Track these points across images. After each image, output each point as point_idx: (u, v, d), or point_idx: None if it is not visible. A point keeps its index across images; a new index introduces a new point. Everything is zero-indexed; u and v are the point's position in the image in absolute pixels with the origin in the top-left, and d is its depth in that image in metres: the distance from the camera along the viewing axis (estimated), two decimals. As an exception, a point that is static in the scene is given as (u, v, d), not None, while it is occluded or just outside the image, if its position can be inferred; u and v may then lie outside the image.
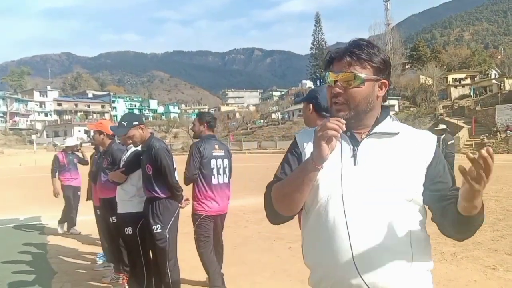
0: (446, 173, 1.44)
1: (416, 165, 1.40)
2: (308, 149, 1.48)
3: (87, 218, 7.40)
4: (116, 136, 4.57)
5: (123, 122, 3.90)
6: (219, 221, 4.52)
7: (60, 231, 7.68)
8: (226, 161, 4.41)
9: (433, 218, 1.43)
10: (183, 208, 4.06)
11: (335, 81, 1.41)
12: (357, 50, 1.41)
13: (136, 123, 3.86)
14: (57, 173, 7.80)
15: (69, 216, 7.72)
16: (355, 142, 1.43)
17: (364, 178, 1.37)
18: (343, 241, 1.34)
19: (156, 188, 3.77)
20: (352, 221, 1.34)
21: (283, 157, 1.60)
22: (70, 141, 8.45)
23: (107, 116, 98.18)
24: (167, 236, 3.76)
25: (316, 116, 2.54)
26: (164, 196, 3.79)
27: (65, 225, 7.78)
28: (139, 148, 4.15)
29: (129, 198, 4.14)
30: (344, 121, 1.29)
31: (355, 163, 1.40)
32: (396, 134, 1.45)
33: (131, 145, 4.23)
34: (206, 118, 4.50)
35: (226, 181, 4.44)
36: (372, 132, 1.44)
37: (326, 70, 1.48)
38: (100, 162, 5.05)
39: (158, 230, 3.74)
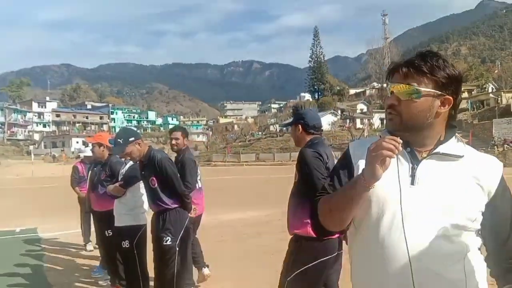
0: (508, 214, 1.37)
1: (478, 192, 1.33)
2: (361, 163, 1.39)
3: (81, 231, 7.31)
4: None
5: (119, 140, 3.71)
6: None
7: (89, 248, 7.06)
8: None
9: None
10: (192, 216, 4.05)
11: (392, 92, 1.37)
12: (419, 61, 1.34)
13: (132, 139, 3.69)
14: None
15: (87, 231, 7.15)
16: (415, 161, 1.35)
17: (422, 199, 1.30)
18: (402, 262, 1.28)
19: (165, 200, 3.72)
20: (412, 243, 1.28)
21: (333, 168, 1.55)
22: (88, 151, 7.74)
23: (105, 127, 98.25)
24: (177, 249, 3.69)
25: (306, 135, 2.79)
26: (174, 206, 3.75)
27: (89, 244, 7.12)
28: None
29: (126, 211, 4.14)
30: (401, 141, 1.21)
31: (412, 183, 1.33)
32: (461, 157, 1.36)
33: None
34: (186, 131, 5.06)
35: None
36: (434, 151, 1.36)
37: (387, 80, 1.43)
38: (96, 173, 5.09)
39: (168, 243, 3.66)
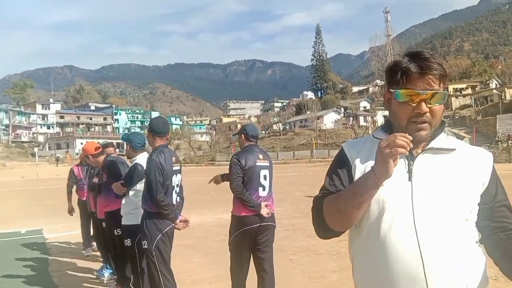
0: (503, 199, 1.42)
1: (473, 183, 1.37)
2: (358, 161, 1.45)
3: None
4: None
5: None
6: None
7: (87, 254, 6.90)
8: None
9: (482, 241, 1.41)
10: (179, 229, 3.87)
11: (421, 100, 1.34)
12: (436, 65, 1.36)
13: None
14: (73, 188, 7.25)
15: (88, 235, 7.00)
16: (410, 157, 1.38)
17: (421, 194, 1.33)
18: (412, 257, 1.29)
19: (147, 201, 3.69)
20: (421, 238, 1.30)
21: (329, 168, 1.54)
22: None
23: (109, 128, 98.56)
24: (154, 253, 3.64)
25: (246, 141, 4.06)
26: (152, 211, 3.68)
27: (89, 249, 6.98)
28: (138, 161, 4.21)
29: (129, 211, 4.21)
30: (411, 138, 1.22)
31: (410, 179, 1.36)
32: (453, 150, 1.41)
33: (135, 158, 4.30)
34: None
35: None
36: (428, 147, 1.40)
37: (396, 84, 1.39)
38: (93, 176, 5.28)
39: (145, 246, 3.67)
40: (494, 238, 1.39)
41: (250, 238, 3.88)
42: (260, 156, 4.01)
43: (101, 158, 5.06)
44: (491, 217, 1.39)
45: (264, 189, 3.95)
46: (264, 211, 3.84)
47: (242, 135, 4.09)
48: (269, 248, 4.01)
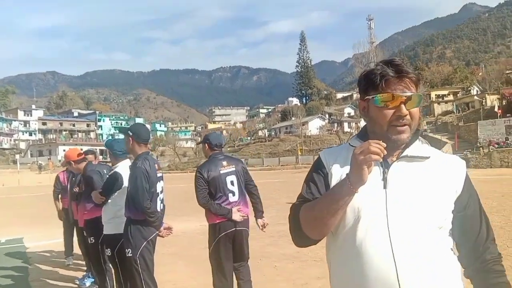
0: (476, 206, 1.44)
1: (446, 191, 1.38)
2: (334, 168, 1.45)
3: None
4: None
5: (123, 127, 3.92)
6: None
7: (68, 262, 6.78)
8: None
9: (459, 258, 1.42)
10: (162, 237, 3.87)
11: (401, 103, 1.35)
12: (410, 70, 1.38)
13: (130, 133, 3.79)
14: (59, 195, 7.01)
15: (69, 244, 6.84)
16: (385, 165, 1.39)
17: (395, 202, 1.34)
18: (386, 263, 1.30)
19: (131, 209, 3.63)
20: (395, 245, 1.30)
21: (306, 176, 1.54)
22: None
23: (92, 135, 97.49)
24: (138, 261, 3.60)
25: (210, 150, 4.13)
26: (136, 218, 3.63)
27: (71, 258, 6.86)
28: (118, 170, 4.17)
29: (108, 219, 4.17)
30: (385, 145, 1.23)
31: (385, 186, 1.36)
32: (427, 158, 1.42)
33: (116, 166, 4.25)
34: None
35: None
36: (402, 155, 1.40)
37: (372, 89, 1.40)
38: (74, 184, 5.29)
39: (129, 254, 3.61)
40: (468, 262, 1.42)
41: (228, 245, 3.94)
42: (224, 163, 4.06)
43: (83, 165, 5.05)
44: (464, 225, 1.41)
45: (234, 195, 4.02)
46: (236, 216, 3.92)
47: (206, 145, 4.17)
48: (245, 255, 4.11)
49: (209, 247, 3.98)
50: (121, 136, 4.04)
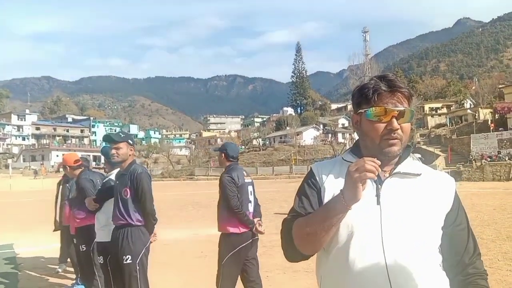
0: (463, 223, 1.47)
1: (437, 208, 1.41)
2: (327, 182, 1.46)
3: (58, 247, 7.16)
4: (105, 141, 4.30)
5: (120, 134, 3.86)
6: None
7: (59, 269, 6.70)
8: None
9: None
10: (151, 242, 3.89)
11: (393, 117, 1.38)
12: (402, 85, 1.40)
13: (130, 142, 3.81)
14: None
15: (66, 251, 6.63)
16: (378, 180, 1.39)
17: (389, 218, 1.35)
18: (380, 280, 1.31)
19: (132, 214, 3.62)
20: (389, 261, 1.31)
21: (298, 189, 1.54)
22: None
23: (86, 141, 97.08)
24: (137, 268, 3.57)
25: (226, 161, 4.13)
26: (138, 224, 3.64)
27: (64, 265, 6.78)
28: (111, 177, 4.17)
29: (101, 227, 4.17)
30: (380, 162, 1.25)
31: (378, 202, 1.37)
32: (418, 175, 1.44)
33: (111, 173, 4.26)
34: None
35: None
36: (395, 171, 1.42)
37: (365, 103, 1.42)
38: (68, 190, 5.26)
39: (128, 261, 3.55)
40: (453, 274, 1.43)
41: (244, 256, 3.97)
42: (245, 173, 4.18)
43: (78, 172, 5.04)
44: (452, 240, 1.43)
45: (251, 204, 4.11)
46: (260, 228, 4.05)
47: (223, 154, 4.17)
48: (256, 260, 4.18)
49: (223, 255, 3.94)
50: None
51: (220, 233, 4.10)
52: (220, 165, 4.27)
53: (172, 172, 62.12)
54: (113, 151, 3.68)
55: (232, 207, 3.87)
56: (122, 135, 3.81)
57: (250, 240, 3.97)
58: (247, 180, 4.12)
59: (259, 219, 4.09)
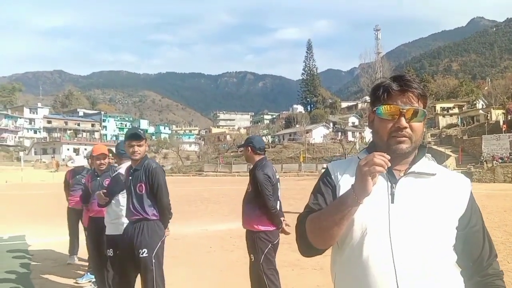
0: (478, 224, 1.48)
1: (451, 208, 1.41)
2: (342, 181, 1.48)
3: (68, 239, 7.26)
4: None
5: (140, 131, 3.88)
6: None
7: (70, 261, 6.78)
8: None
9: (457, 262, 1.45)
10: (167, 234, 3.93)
11: (401, 115, 1.40)
12: (416, 85, 1.43)
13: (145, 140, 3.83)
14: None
15: (74, 243, 6.84)
16: (393, 179, 1.42)
17: (402, 217, 1.36)
18: (389, 278, 1.33)
19: (147, 209, 3.64)
20: (398, 259, 1.33)
21: (314, 187, 1.58)
22: (78, 161, 7.19)
23: (96, 135, 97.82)
24: (153, 261, 3.59)
25: (253, 155, 3.93)
26: (154, 218, 3.67)
27: (74, 257, 6.86)
28: (120, 171, 4.21)
29: (110, 220, 4.22)
30: (389, 157, 1.27)
31: (392, 201, 1.39)
32: (433, 175, 1.45)
33: (120, 167, 4.31)
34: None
35: None
36: (410, 171, 1.44)
37: (378, 102, 1.45)
38: (99, 184, 5.02)
39: (145, 255, 3.56)
40: (470, 276, 1.45)
41: (274, 254, 3.94)
42: (275, 169, 4.05)
43: (100, 163, 5.00)
44: (467, 241, 1.44)
45: (279, 203, 4.06)
46: (287, 229, 3.99)
47: (249, 148, 3.98)
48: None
49: (255, 256, 3.90)
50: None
51: (245, 229, 4.05)
52: (248, 161, 4.09)
53: (182, 167, 62.35)
54: (136, 148, 3.68)
55: (269, 207, 3.81)
56: (142, 133, 3.84)
57: (278, 238, 3.97)
58: (278, 176, 4.05)
59: (284, 218, 4.02)
